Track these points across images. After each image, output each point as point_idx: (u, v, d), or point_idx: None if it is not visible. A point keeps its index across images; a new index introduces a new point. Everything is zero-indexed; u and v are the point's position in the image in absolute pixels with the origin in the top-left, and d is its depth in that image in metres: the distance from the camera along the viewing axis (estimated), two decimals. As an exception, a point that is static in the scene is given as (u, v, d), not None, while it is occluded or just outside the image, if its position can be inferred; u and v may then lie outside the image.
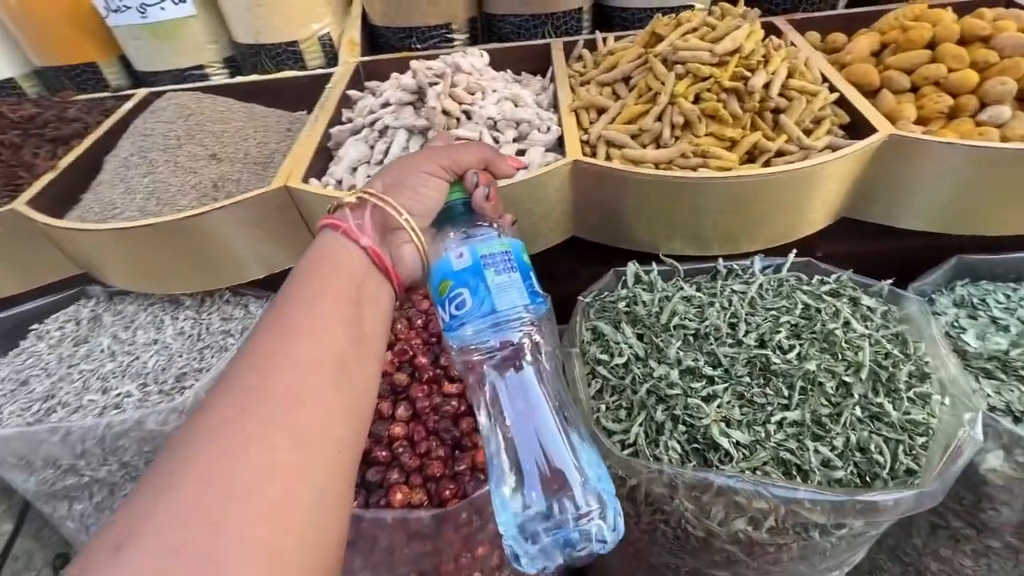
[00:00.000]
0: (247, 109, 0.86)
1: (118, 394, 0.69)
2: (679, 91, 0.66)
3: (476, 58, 0.80)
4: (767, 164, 0.67)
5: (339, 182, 0.72)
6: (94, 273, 0.78)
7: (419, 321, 0.70)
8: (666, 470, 0.49)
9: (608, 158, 0.69)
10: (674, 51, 0.68)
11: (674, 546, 0.56)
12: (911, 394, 0.54)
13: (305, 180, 0.69)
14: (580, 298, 0.68)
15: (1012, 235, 0.69)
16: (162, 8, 0.91)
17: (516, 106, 0.74)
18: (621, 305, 0.65)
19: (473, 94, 0.75)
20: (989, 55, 0.66)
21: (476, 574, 0.55)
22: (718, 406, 0.54)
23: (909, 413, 0.53)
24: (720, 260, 0.70)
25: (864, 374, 0.54)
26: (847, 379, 0.54)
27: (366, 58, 0.95)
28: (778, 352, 0.57)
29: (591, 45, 0.89)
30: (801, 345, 0.57)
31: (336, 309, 0.32)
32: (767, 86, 0.67)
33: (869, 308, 0.62)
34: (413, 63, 0.74)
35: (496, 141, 0.70)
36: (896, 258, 0.76)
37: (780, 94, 0.68)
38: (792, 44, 0.82)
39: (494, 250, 0.37)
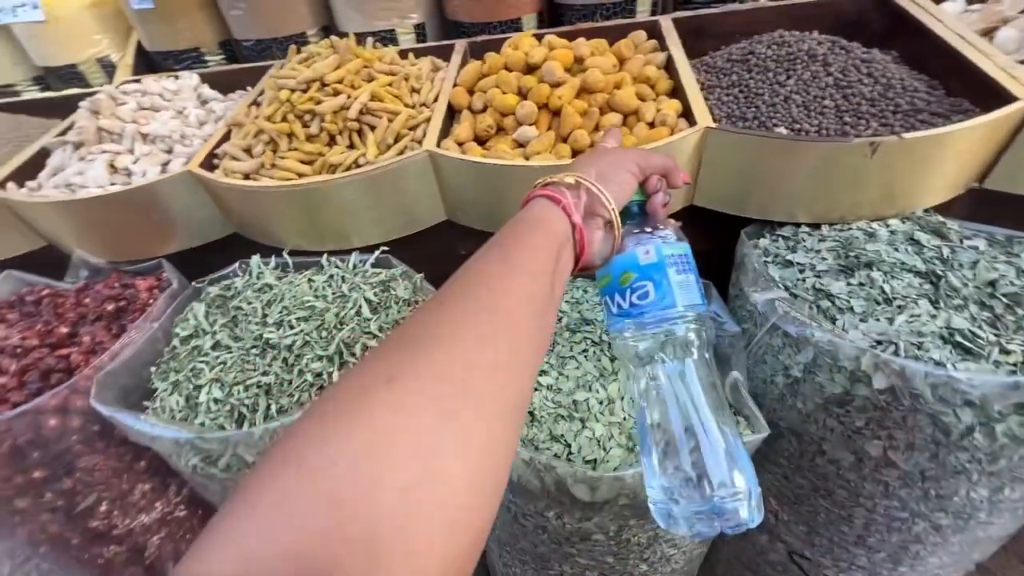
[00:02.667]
0: (13, 121, 1.04)
1: None
2: (265, 113, 0.79)
3: (171, 81, 0.96)
4: (351, 174, 0.79)
5: (40, 186, 0.89)
6: None
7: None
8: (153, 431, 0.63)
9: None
10: (276, 79, 0.81)
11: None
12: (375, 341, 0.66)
13: (3, 184, 0.87)
14: (194, 283, 0.82)
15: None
16: (-37, 39, 1.11)
17: (187, 125, 0.89)
18: (213, 290, 0.79)
19: (158, 111, 0.91)
20: (530, 81, 0.76)
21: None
22: (219, 371, 0.68)
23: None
24: (325, 256, 0.83)
25: (336, 339, 0.67)
26: (319, 346, 0.67)
27: (130, 78, 1.11)
28: (285, 329, 0.70)
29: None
30: (302, 322, 0.70)
31: (545, 263, 0.35)
32: (347, 108, 0.79)
33: (393, 284, 0.75)
34: (107, 87, 0.90)
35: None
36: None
37: (369, 113, 0.80)
38: (437, 68, 0.94)
39: (675, 251, 0.41)
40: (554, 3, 1.04)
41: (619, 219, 0.40)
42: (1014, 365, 0.52)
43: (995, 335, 0.55)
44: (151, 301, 0.84)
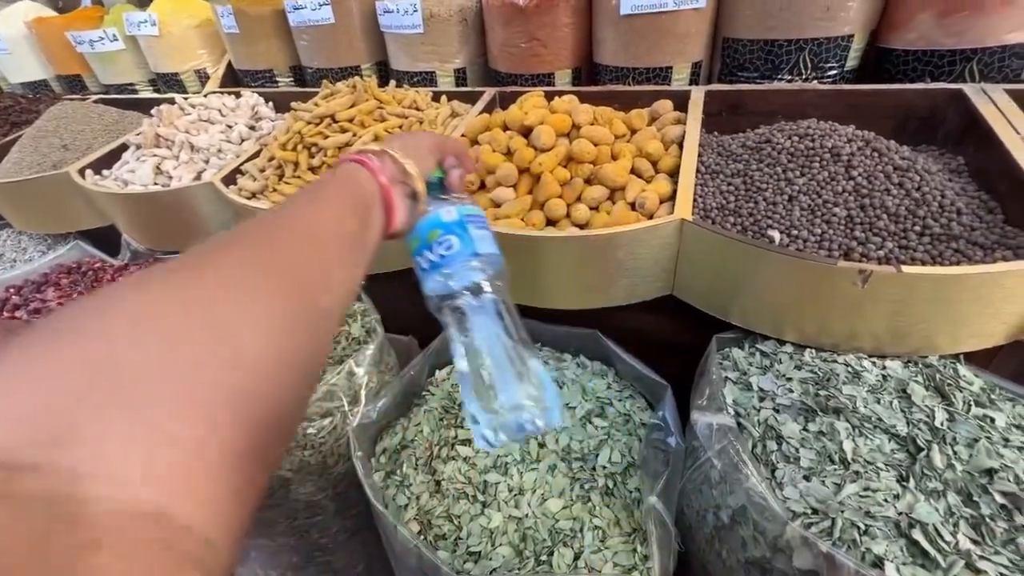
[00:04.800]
0: (119, 115, 1.23)
1: None
2: (280, 140, 0.85)
3: (231, 99, 1.07)
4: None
5: (111, 176, 1.04)
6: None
7: None
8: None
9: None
10: (295, 110, 0.88)
11: None
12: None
13: (82, 172, 1.02)
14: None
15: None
16: (103, 44, 1.34)
17: (228, 140, 1.00)
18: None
19: (214, 124, 1.03)
20: (518, 143, 0.75)
21: None
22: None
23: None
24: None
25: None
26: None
27: (214, 89, 1.27)
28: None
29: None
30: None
31: (354, 209, 0.37)
32: (350, 145, 0.83)
33: (350, 319, 0.76)
34: (179, 99, 1.04)
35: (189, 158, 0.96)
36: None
37: (371, 154, 0.84)
38: (456, 115, 0.95)
39: (473, 212, 0.47)
40: (593, 61, 1.02)
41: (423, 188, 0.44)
42: (979, 590, 0.41)
43: (971, 542, 0.43)
44: (163, 291, 0.93)
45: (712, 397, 0.59)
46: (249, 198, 0.85)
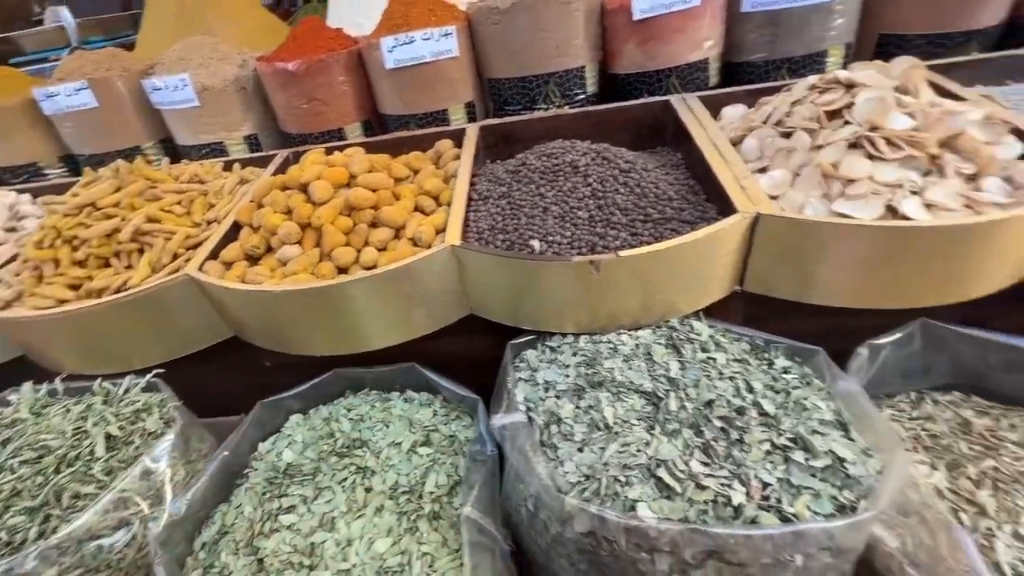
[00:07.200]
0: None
1: None
2: (34, 239, 0.78)
3: None
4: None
5: None
6: None
7: None
8: None
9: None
10: (47, 204, 0.81)
11: None
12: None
13: None
14: None
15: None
16: None
17: None
18: None
19: None
20: (297, 200, 0.77)
21: None
22: None
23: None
24: (99, 380, 0.79)
25: (49, 485, 0.61)
26: (30, 494, 0.62)
27: None
28: (7, 474, 0.65)
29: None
30: (24, 466, 0.65)
31: None
32: (119, 231, 0.78)
33: (145, 414, 0.70)
34: None
35: None
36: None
37: (147, 234, 0.79)
38: (245, 181, 0.95)
39: None
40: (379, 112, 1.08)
41: None
42: (705, 503, 0.49)
43: (702, 464, 0.52)
44: (-93, 437, 0.78)
45: (508, 399, 0.64)
46: (3, 308, 0.76)
